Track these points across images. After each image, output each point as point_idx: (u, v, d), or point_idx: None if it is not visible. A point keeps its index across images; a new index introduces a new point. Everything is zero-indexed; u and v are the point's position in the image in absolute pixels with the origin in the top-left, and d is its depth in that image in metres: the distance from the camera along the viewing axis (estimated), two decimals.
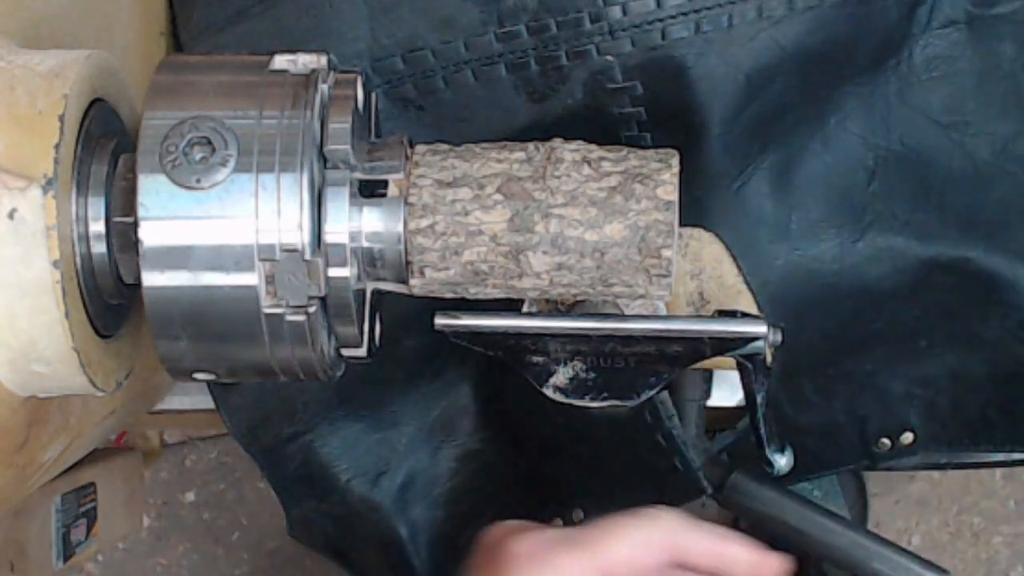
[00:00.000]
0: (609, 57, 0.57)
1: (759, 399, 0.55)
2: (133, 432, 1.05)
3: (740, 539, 0.53)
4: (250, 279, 0.44)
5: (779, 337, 0.52)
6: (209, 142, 0.44)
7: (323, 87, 0.46)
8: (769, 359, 0.54)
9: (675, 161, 0.48)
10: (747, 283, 0.63)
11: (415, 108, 0.61)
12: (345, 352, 0.49)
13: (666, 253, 0.47)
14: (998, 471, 1.14)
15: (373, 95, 0.51)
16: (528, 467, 0.70)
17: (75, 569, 1.06)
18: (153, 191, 0.44)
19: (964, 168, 0.63)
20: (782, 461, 0.59)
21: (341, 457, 0.70)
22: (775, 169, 0.62)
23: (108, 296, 0.49)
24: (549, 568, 0.50)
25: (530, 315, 0.53)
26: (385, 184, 0.47)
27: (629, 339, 0.51)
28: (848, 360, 0.67)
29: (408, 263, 0.47)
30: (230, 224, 0.44)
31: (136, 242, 0.44)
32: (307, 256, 0.44)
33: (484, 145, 0.48)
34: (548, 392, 0.52)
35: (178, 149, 0.44)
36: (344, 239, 0.45)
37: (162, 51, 0.65)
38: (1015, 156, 0.63)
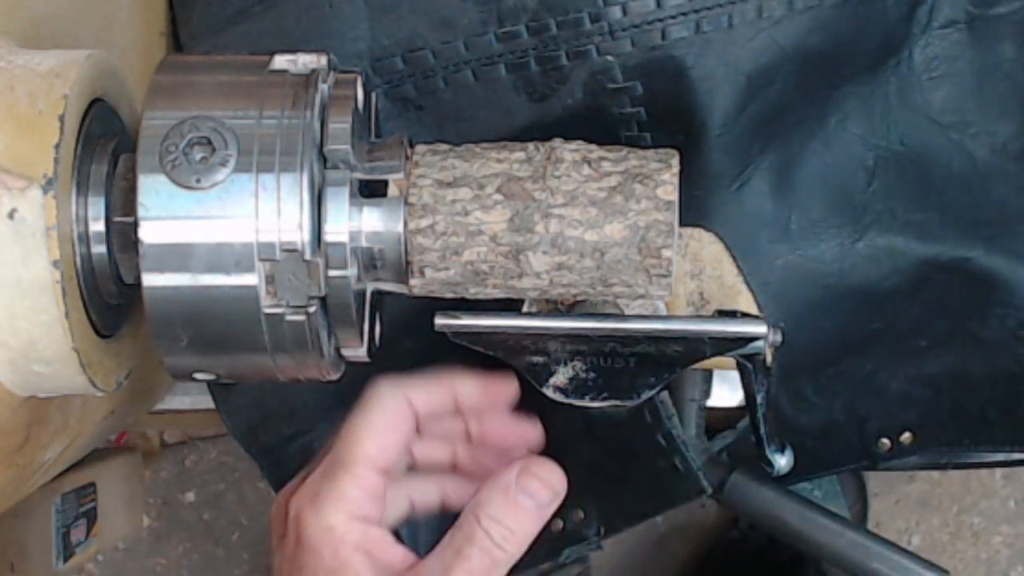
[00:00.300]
0: (609, 57, 0.57)
1: (759, 399, 0.55)
2: (133, 432, 1.05)
3: (460, 373, 0.54)
4: (250, 279, 0.44)
5: (779, 337, 0.52)
6: (209, 142, 0.44)
7: (323, 87, 0.46)
8: (769, 359, 0.54)
9: (675, 161, 0.48)
10: (747, 283, 0.63)
11: (415, 108, 0.61)
12: (345, 352, 0.49)
13: (666, 253, 0.47)
14: (998, 471, 1.14)
15: (373, 95, 0.51)
16: None
17: (75, 569, 1.06)
18: (153, 191, 0.44)
19: (964, 168, 0.63)
20: (782, 461, 0.59)
21: None
22: (775, 169, 0.62)
23: (108, 296, 0.49)
24: (324, 532, 0.49)
25: (530, 315, 0.53)
26: (385, 184, 0.47)
27: (629, 339, 0.51)
28: (848, 360, 0.67)
29: (408, 263, 0.47)
30: (230, 224, 0.44)
31: (136, 242, 0.44)
32: (307, 256, 0.44)
33: (484, 145, 0.48)
34: (548, 392, 0.52)
35: (178, 149, 0.44)
36: (344, 239, 0.45)
37: (162, 51, 0.65)
38: (1015, 156, 0.63)
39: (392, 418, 0.52)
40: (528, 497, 0.51)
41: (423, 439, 0.55)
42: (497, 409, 0.55)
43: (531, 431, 0.56)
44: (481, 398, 0.54)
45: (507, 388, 0.55)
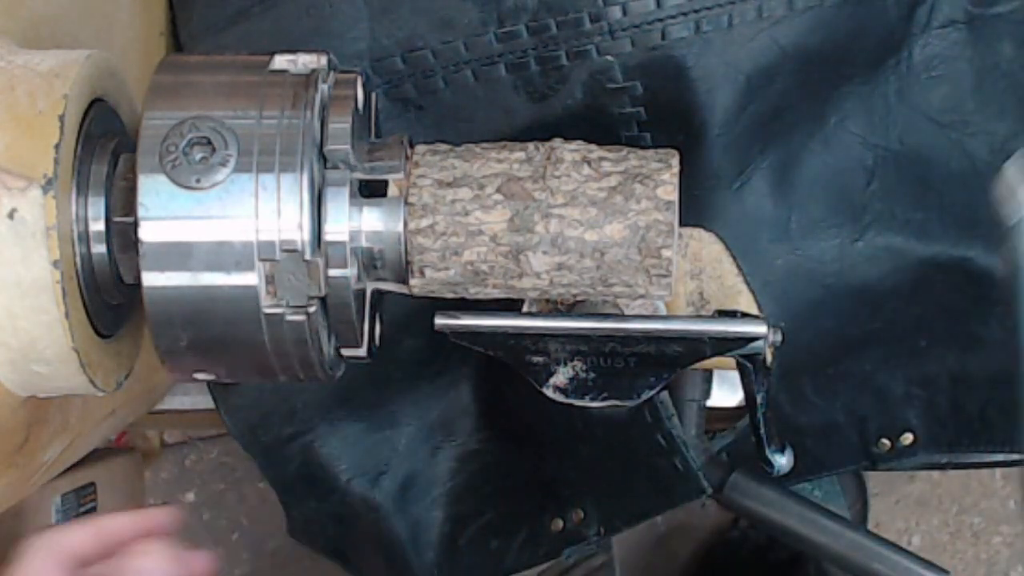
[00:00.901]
0: (609, 57, 0.57)
1: (759, 399, 0.55)
2: (133, 432, 1.05)
3: (109, 516, 0.54)
4: (250, 279, 0.44)
5: (779, 337, 0.52)
6: (209, 142, 0.44)
7: (323, 87, 0.46)
8: (769, 359, 0.54)
9: (675, 161, 0.48)
10: (747, 283, 0.63)
11: (415, 108, 0.61)
12: (345, 352, 0.49)
13: (666, 253, 0.47)
14: (998, 471, 1.14)
15: (373, 95, 0.51)
16: (528, 467, 0.70)
17: None
18: (153, 191, 0.44)
19: (963, 167, 0.63)
20: (782, 461, 0.59)
21: (341, 457, 0.70)
22: (775, 169, 0.62)
23: (108, 296, 0.49)
24: None
25: (530, 315, 0.53)
26: (385, 184, 0.47)
27: (629, 339, 0.51)
28: (848, 360, 0.67)
29: (408, 263, 0.47)
30: (230, 224, 0.44)
31: (136, 242, 0.44)
32: (307, 256, 0.44)
33: (484, 145, 0.48)
34: (548, 392, 0.52)
35: (178, 149, 0.44)
36: (344, 239, 0.45)
37: (162, 51, 0.65)
38: (1014, 155, 0.63)
39: (45, 569, 0.51)
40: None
41: None
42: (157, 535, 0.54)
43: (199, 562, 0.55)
44: (133, 531, 0.54)
45: (158, 520, 0.54)
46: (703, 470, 0.66)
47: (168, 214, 0.44)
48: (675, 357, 0.51)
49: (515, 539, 0.70)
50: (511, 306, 0.52)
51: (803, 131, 0.62)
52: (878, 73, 0.62)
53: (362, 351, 0.49)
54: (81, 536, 0.53)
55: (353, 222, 0.46)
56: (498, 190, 0.47)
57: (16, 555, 0.51)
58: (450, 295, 0.49)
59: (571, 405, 0.53)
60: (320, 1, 0.59)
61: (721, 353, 0.52)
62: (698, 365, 0.52)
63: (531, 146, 0.48)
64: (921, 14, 0.61)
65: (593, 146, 0.48)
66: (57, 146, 0.44)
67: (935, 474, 1.14)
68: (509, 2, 0.57)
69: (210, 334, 0.46)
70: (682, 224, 0.53)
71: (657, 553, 1.15)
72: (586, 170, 0.47)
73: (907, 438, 0.69)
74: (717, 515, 1.13)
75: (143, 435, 1.07)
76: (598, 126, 0.59)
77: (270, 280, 0.45)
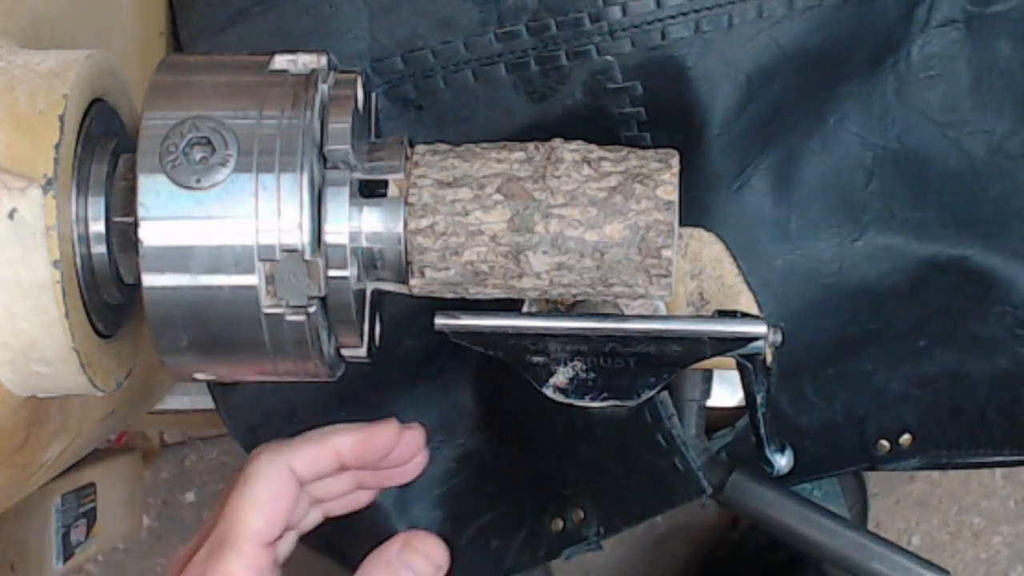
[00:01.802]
0: (609, 57, 0.57)
1: (759, 399, 0.55)
2: (133, 432, 1.05)
3: (337, 430, 0.53)
4: (250, 279, 0.44)
5: (779, 337, 0.52)
6: (209, 142, 0.44)
7: (323, 87, 0.46)
8: (769, 359, 0.54)
9: (675, 161, 0.48)
10: (747, 283, 0.63)
11: (415, 108, 0.61)
12: (345, 352, 0.49)
13: (666, 253, 0.47)
14: (998, 471, 1.14)
15: (373, 95, 0.51)
16: (528, 467, 0.70)
17: (75, 569, 1.06)
18: (153, 191, 0.44)
19: (961, 166, 0.63)
20: (782, 461, 0.59)
21: None
22: (775, 169, 0.62)
23: (108, 296, 0.49)
24: None
25: (530, 315, 0.53)
26: (385, 184, 0.47)
27: (629, 339, 0.51)
28: (847, 360, 0.67)
29: (408, 263, 0.47)
30: (230, 224, 0.44)
31: (136, 242, 0.44)
32: (307, 256, 0.44)
33: (484, 145, 0.48)
34: (548, 392, 0.52)
35: (178, 149, 0.44)
36: (344, 239, 0.45)
37: (162, 51, 0.65)
38: (1011, 154, 0.63)
39: (275, 491, 0.51)
40: (410, 572, 0.51)
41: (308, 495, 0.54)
42: (380, 457, 0.54)
43: (413, 463, 0.56)
44: (362, 452, 0.53)
45: (386, 436, 0.54)
46: (703, 470, 0.66)
47: (168, 214, 0.44)
48: (675, 357, 0.51)
49: (515, 539, 0.70)
50: (511, 306, 0.52)
51: (803, 131, 0.62)
52: (877, 73, 0.62)
53: (362, 351, 0.49)
54: (314, 455, 0.52)
55: (353, 222, 0.46)
56: (498, 190, 0.47)
57: (248, 471, 0.51)
58: (450, 295, 0.49)
59: (571, 405, 0.53)
60: (320, 1, 0.59)
61: (721, 353, 0.52)
62: (698, 365, 0.52)
63: (531, 146, 0.48)
64: (920, 13, 0.61)
65: (593, 146, 0.48)
66: (57, 146, 0.44)
67: (935, 474, 1.14)
68: (509, 2, 0.57)
69: (210, 334, 0.46)
70: (682, 224, 0.53)
71: (657, 553, 1.15)
72: (586, 170, 0.47)
73: (906, 440, 0.69)
74: (717, 515, 1.13)
75: (143, 435, 1.07)
76: (598, 126, 0.59)
77: (270, 280, 0.45)
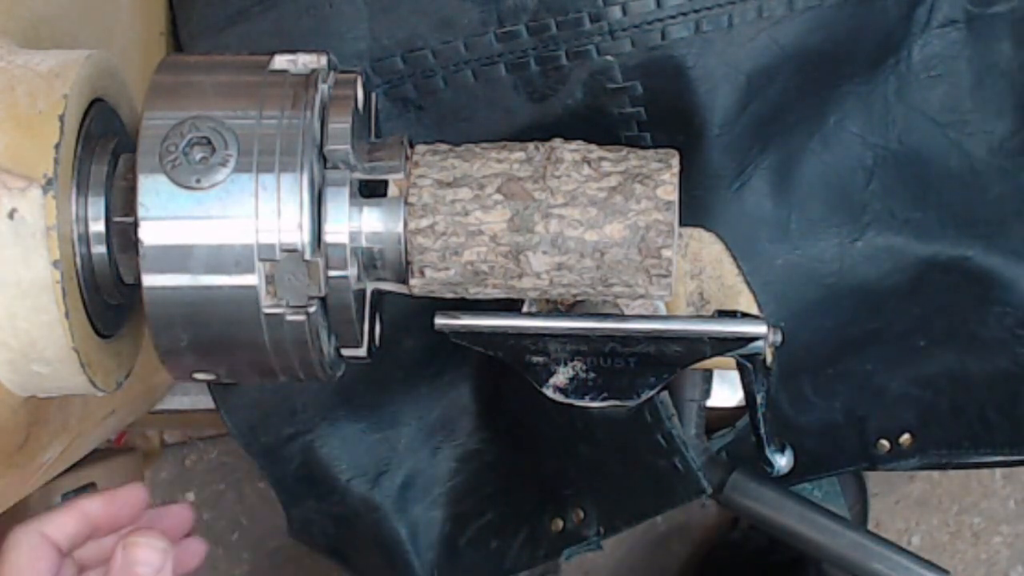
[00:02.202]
0: (609, 57, 0.57)
1: (759, 399, 0.55)
2: (133, 432, 1.05)
3: (87, 495, 0.54)
4: (250, 279, 0.44)
5: (779, 337, 0.52)
6: (209, 142, 0.44)
7: (323, 87, 0.46)
8: (769, 359, 0.54)
9: (675, 161, 0.48)
10: (747, 283, 0.63)
11: (415, 108, 0.61)
12: (345, 352, 0.49)
13: (666, 253, 0.47)
14: (998, 471, 1.14)
15: (373, 95, 0.51)
16: (528, 467, 0.70)
17: None
18: (153, 191, 0.44)
19: (961, 167, 0.63)
20: (782, 461, 0.59)
21: (341, 457, 0.70)
22: (775, 169, 0.62)
23: (108, 296, 0.49)
24: None
25: (530, 315, 0.53)
26: (385, 184, 0.47)
27: (629, 339, 0.51)
28: (848, 360, 0.67)
29: (408, 263, 0.47)
30: (230, 224, 0.44)
31: (136, 242, 0.44)
32: (307, 256, 0.44)
33: (484, 145, 0.48)
34: (548, 392, 0.52)
35: (178, 149, 0.44)
36: (344, 239, 0.45)
37: (162, 51, 0.65)
38: (1012, 154, 0.63)
39: (32, 556, 0.51)
40: (141, 565, 0.52)
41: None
42: (130, 516, 0.55)
43: (179, 514, 0.56)
44: (109, 511, 0.54)
45: (129, 495, 0.54)
46: (703, 470, 0.66)
47: (168, 214, 0.44)
48: (675, 357, 0.51)
49: (515, 539, 0.70)
50: (511, 306, 0.52)
51: (803, 131, 0.62)
52: (878, 73, 0.62)
53: (362, 351, 0.49)
54: (64, 521, 0.53)
55: (353, 222, 0.46)
56: (498, 190, 0.47)
57: (4, 546, 0.51)
58: (450, 295, 0.49)
59: (571, 405, 0.53)
60: (320, 1, 0.59)
61: (721, 353, 0.52)
62: (698, 365, 0.52)
63: (531, 146, 0.48)
64: (921, 14, 0.61)
65: (593, 146, 0.48)
66: (57, 146, 0.44)
67: (935, 474, 1.14)
68: (509, 2, 0.57)
69: (210, 334, 0.46)
70: (682, 224, 0.53)
71: (657, 553, 1.15)
72: (586, 170, 0.47)
73: (906, 439, 0.69)
74: (717, 515, 1.13)
75: (143, 435, 1.07)
76: (598, 126, 0.59)
77: (270, 280, 0.45)
